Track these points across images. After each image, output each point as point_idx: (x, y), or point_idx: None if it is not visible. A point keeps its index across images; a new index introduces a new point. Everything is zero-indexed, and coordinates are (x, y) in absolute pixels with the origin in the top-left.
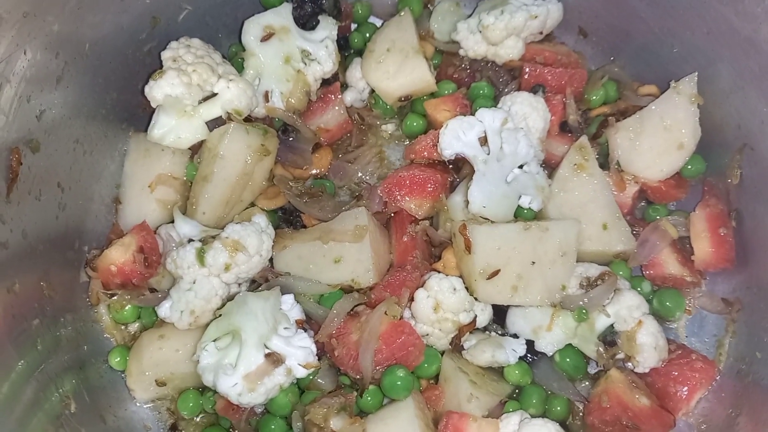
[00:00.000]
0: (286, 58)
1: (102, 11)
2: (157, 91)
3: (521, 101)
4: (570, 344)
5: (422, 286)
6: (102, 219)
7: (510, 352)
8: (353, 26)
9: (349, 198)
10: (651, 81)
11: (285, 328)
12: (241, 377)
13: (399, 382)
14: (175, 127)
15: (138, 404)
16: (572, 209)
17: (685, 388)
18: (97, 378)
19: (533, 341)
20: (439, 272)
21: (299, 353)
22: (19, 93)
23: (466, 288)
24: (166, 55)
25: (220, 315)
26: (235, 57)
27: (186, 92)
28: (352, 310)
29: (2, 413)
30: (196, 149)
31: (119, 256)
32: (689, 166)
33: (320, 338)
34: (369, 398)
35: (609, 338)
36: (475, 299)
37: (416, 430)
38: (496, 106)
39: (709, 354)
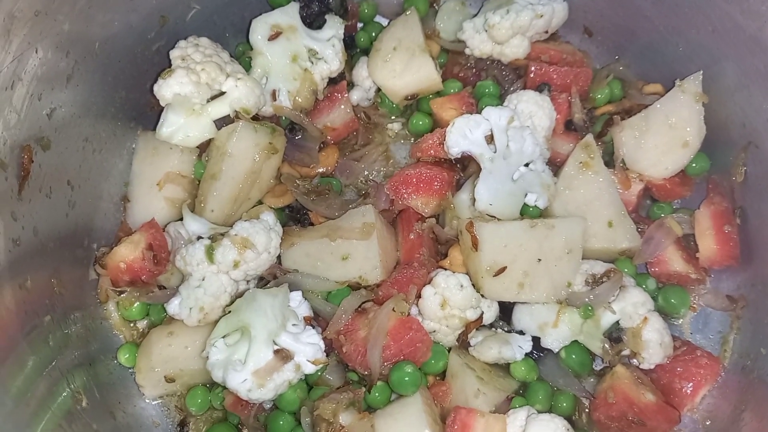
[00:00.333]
0: (293, 57)
1: (111, 10)
2: (166, 89)
3: (527, 100)
4: (576, 341)
5: (429, 283)
6: (111, 217)
7: (516, 349)
8: (359, 25)
9: (356, 196)
10: (656, 79)
11: (293, 325)
12: (250, 373)
13: (407, 378)
14: (183, 126)
15: (147, 401)
16: (578, 207)
17: (690, 384)
18: (107, 375)
19: (539, 338)
20: (445, 269)
21: (308, 349)
22: (30, 91)
23: (473, 285)
24: (174, 53)
25: (229, 312)
26: (242, 56)
27: (195, 91)
28: (359, 306)
29: (17, 407)
30: (204, 147)
31: (128, 253)
32: (694, 164)
33: (328, 335)
34: (377, 394)
35: (614, 335)
36: (482, 296)
37: (424, 425)
38: (501, 105)
39: (713, 350)
